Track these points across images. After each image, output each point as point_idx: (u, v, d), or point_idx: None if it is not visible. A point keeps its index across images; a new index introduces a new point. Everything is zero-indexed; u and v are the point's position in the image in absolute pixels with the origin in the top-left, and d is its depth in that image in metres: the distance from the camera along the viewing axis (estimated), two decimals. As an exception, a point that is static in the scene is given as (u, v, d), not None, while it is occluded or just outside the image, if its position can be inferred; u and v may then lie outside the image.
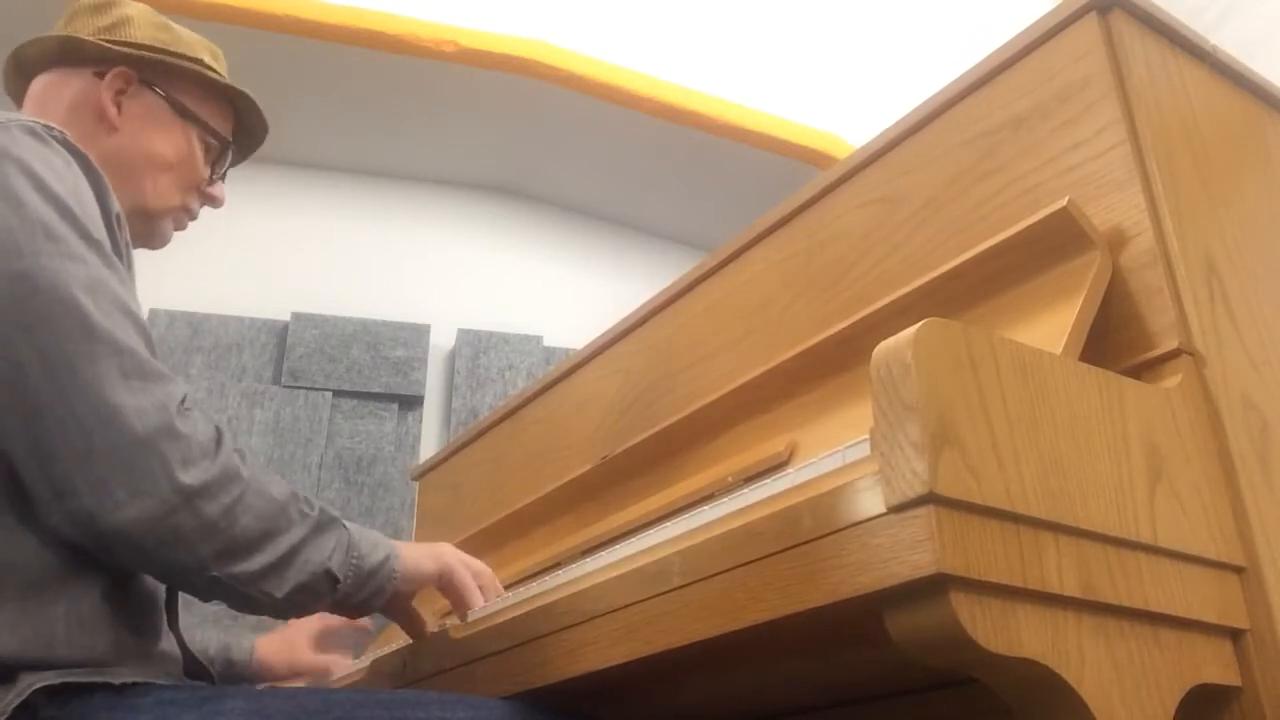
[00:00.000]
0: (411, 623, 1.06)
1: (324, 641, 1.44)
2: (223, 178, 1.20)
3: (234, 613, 0.96)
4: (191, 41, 1.18)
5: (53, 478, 0.81)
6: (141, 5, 1.18)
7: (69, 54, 1.11)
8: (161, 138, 1.12)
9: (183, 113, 1.13)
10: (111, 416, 0.80)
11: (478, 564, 1.08)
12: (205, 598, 0.89)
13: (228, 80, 1.17)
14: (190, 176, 1.15)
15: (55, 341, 0.82)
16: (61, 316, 0.82)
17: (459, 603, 1.05)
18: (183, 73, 1.14)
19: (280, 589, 0.88)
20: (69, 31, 1.12)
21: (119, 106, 1.10)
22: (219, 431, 0.87)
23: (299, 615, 0.94)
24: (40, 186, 0.86)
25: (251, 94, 1.19)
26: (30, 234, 0.84)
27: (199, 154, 1.15)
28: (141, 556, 0.83)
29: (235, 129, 1.22)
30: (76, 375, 0.81)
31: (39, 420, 0.81)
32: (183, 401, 0.85)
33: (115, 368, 0.82)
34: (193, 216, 1.18)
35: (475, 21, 2.61)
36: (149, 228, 1.12)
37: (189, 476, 0.82)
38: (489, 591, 1.07)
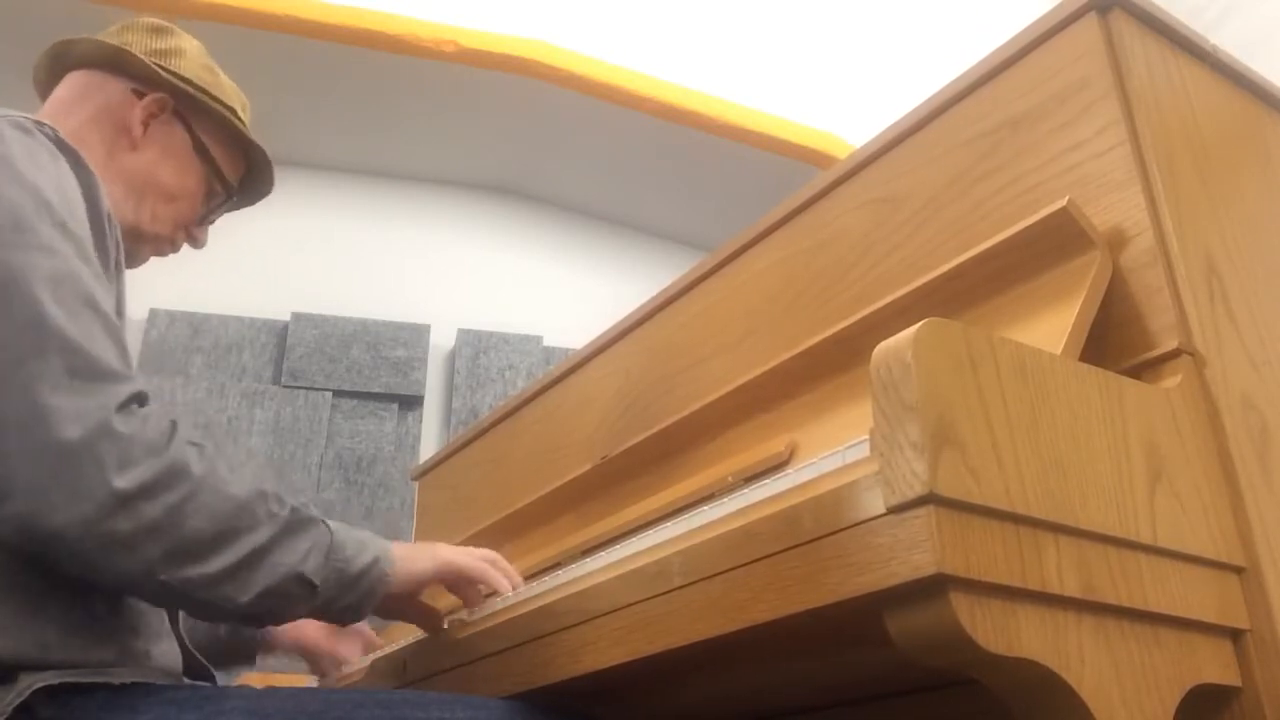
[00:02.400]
0: (422, 618, 1.04)
1: (336, 629, 1.40)
2: (211, 222, 1.23)
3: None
4: (229, 89, 1.20)
5: None
6: (195, 42, 1.21)
7: (116, 63, 1.13)
8: (175, 170, 1.14)
9: (201, 153, 1.16)
10: (47, 418, 0.77)
11: (483, 551, 1.05)
12: (162, 604, 0.85)
13: (250, 135, 1.20)
14: (187, 213, 1.17)
15: (6, 333, 0.80)
16: (16, 309, 0.80)
17: (472, 598, 1.02)
18: (214, 116, 1.17)
19: (243, 593, 0.84)
20: (121, 43, 1.14)
21: (145, 128, 1.12)
22: (173, 428, 0.83)
23: (273, 622, 0.90)
24: (16, 178, 0.85)
25: (269, 154, 1.22)
26: None
27: (202, 194, 1.17)
28: (84, 562, 0.80)
29: (242, 180, 1.24)
30: (20, 370, 0.79)
31: None
32: (131, 399, 0.82)
33: (61, 366, 0.80)
34: (174, 249, 1.19)
35: (475, 21, 2.61)
36: (131, 249, 1.12)
37: (124, 480, 0.78)
38: (510, 575, 1.03)
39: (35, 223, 0.84)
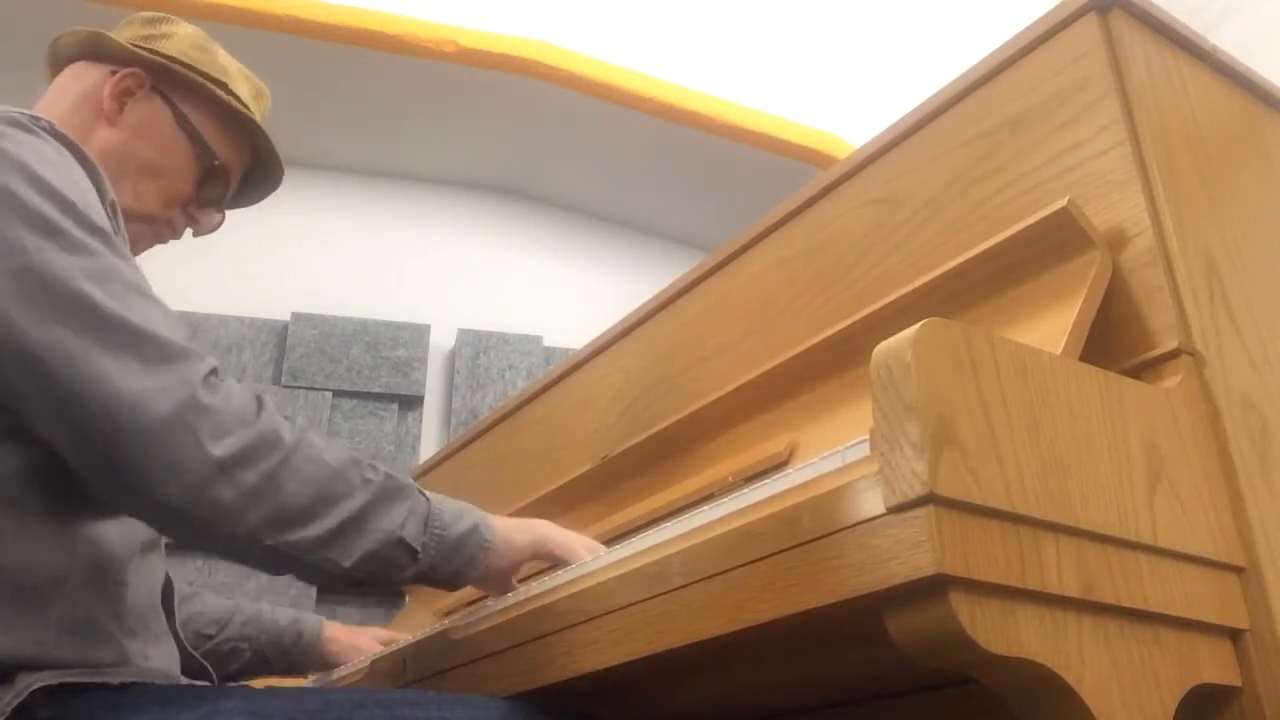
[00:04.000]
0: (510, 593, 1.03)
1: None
2: (217, 206, 1.19)
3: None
4: (227, 67, 1.18)
5: (99, 459, 0.80)
6: (191, 27, 1.18)
7: (94, 50, 1.13)
8: (154, 144, 1.11)
9: (184, 125, 1.13)
10: (136, 402, 0.79)
11: (590, 542, 1.05)
12: (270, 570, 0.87)
13: (240, 107, 1.16)
14: (175, 189, 1.13)
15: (71, 334, 0.81)
16: (71, 309, 0.82)
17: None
18: (198, 90, 1.14)
19: (347, 557, 0.86)
20: (111, 33, 1.13)
21: (122, 105, 1.10)
22: (259, 400, 0.86)
23: (381, 587, 0.92)
24: (35, 181, 0.85)
25: (266, 129, 1.19)
26: (30, 230, 0.83)
27: (190, 170, 1.14)
28: (194, 532, 0.83)
29: (251, 167, 1.22)
30: (95, 366, 0.80)
31: (71, 407, 0.80)
32: (211, 374, 0.84)
33: (134, 354, 0.81)
34: (175, 234, 1.17)
35: (475, 21, 2.61)
36: (127, 234, 1.11)
37: (220, 448, 0.80)
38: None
39: (63, 224, 0.85)
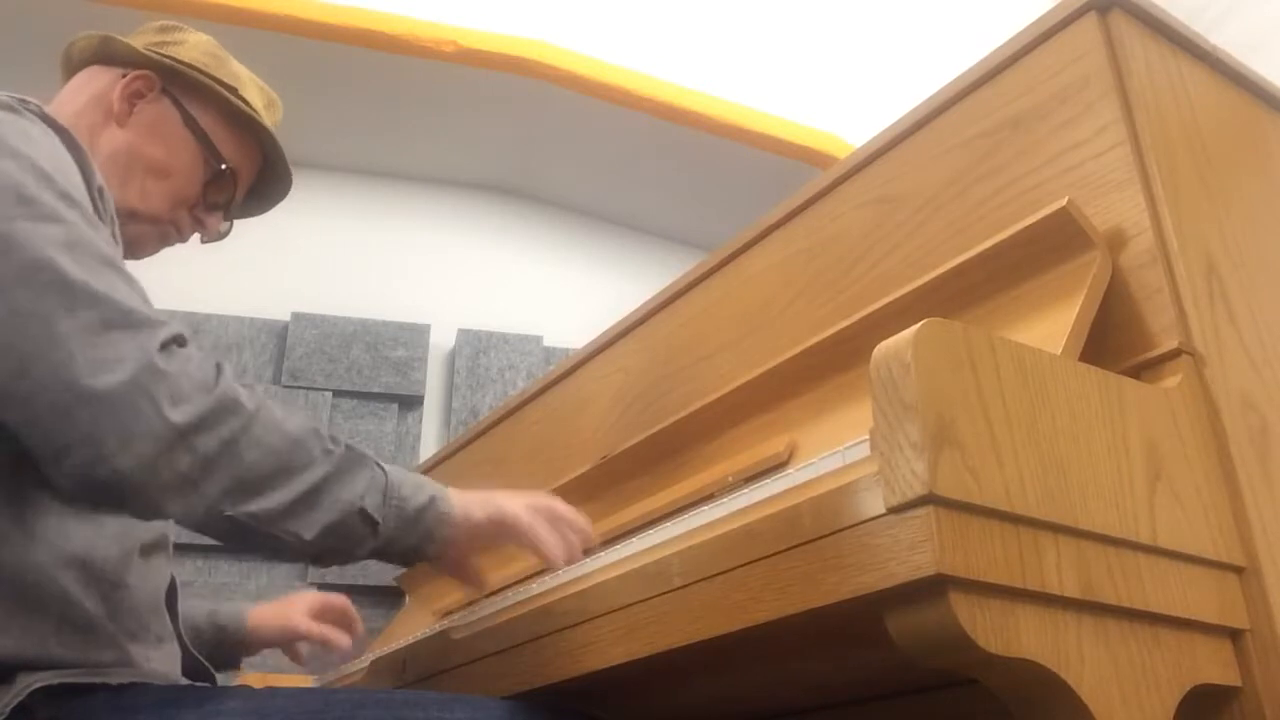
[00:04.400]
0: (468, 576, 1.01)
1: (323, 616, 1.39)
2: (224, 211, 1.19)
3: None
4: (239, 74, 1.19)
5: (49, 438, 0.78)
6: (204, 36, 1.19)
7: (106, 53, 1.14)
8: (162, 145, 1.12)
9: (193, 128, 1.13)
10: (89, 369, 0.78)
11: (548, 503, 1.01)
12: (232, 543, 0.85)
13: (250, 112, 1.16)
14: (182, 191, 1.13)
15: (31, 297, 0.79)
16: (36, 274, 0.80)
17: (540, 557, 0.98)
18: (208, 93, 1.14)
19: (308, 529, 0.84)
20: (125, 40, 1.14)
21: (132, 106, 1.11)
22: (219, 366, 0.84)
23: (342, 561, 0.90)
24: (13, 153, 0.85)
25: (276, 137, 1.19)
26: (3, 199, 0.82)
27: (198, 173, 1.14)
28: (149, 503, 0.80)
29: (261, 172, 1.22)
30: (54, 330, 0.79)
31: (25, 379, 0.78)
32: (171, 340, 0.82)
33: (95, 318, 0.80)
34: (181, 237, 1.17)
35: (475, 21, 2.61)
36: (133, 234, 1.10)
37: (179, 413, 0.78)
38: (576, 546, 0.99)
39: (38, 194, 0.84)
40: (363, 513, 0.87)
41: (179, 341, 0.83)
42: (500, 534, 0.97)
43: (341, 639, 1.38)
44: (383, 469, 0.91)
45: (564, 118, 2.83)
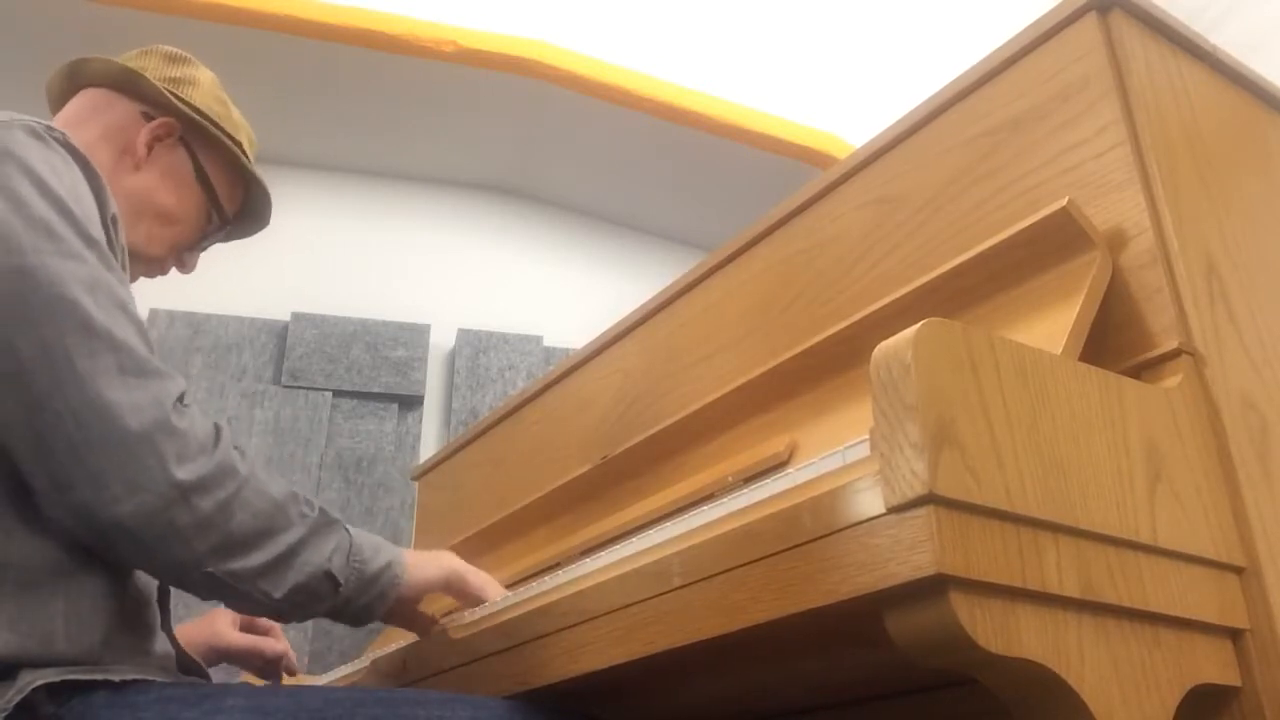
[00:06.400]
0: (417, 625, 1.06)
1: (250, 626, 1.34)
2: (203, 249, 1.24)
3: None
4: (239, 123, 1.23)
5: (52, 471, 0.81)
6: (210, 74, 1.23)
7: (129, 85, 1.16)
8: (174, 194, 1.16)
9: (202, 180, 1.17)
10: (107, 411, 0.81)
11: (481, 574, 1.08)
12: (203, 595, 0.89)
13: (254, 170, 1.22)
14: (184, 238, 1.19)
15: (55, 335, 0.82)
16: (61, 312, 0.83)
17: (471, 604, 1.06)
18: (219, 147, 1.19)
19: (278, 588, 0.89)
20: (138, 67, 1.16)
21: (149, 149, 1.14)
22: (217, 429, 0.88)
23: (300, 618, 0.94)
24: (41, 186, 0.87)
25: (268, 190, 1.25)
26: (32, 232, 0.85)
27: (201, 222, 1.19)
28: (139, 551, 0.84)
29: (239, 212, 1.26)
30: (74, 369, 0.82)
31: (38, 413, 0.81)
32: (180, 398, 0.86)
33: (113, 364, 0.83)
34: (163, 272, 1.21)
35: (475, 21, 2.61)
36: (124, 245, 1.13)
37: (184, 472, 0.82)
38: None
39: (64, 231, 0.87)
40: (328, 574, 0.92)
41: (184, 398, 0.87)
42: (448, 590, 1.04)
43: (274, 645, 1.34)
44: (348, 531, 0.95)
45: (564, 118, 2.83)
